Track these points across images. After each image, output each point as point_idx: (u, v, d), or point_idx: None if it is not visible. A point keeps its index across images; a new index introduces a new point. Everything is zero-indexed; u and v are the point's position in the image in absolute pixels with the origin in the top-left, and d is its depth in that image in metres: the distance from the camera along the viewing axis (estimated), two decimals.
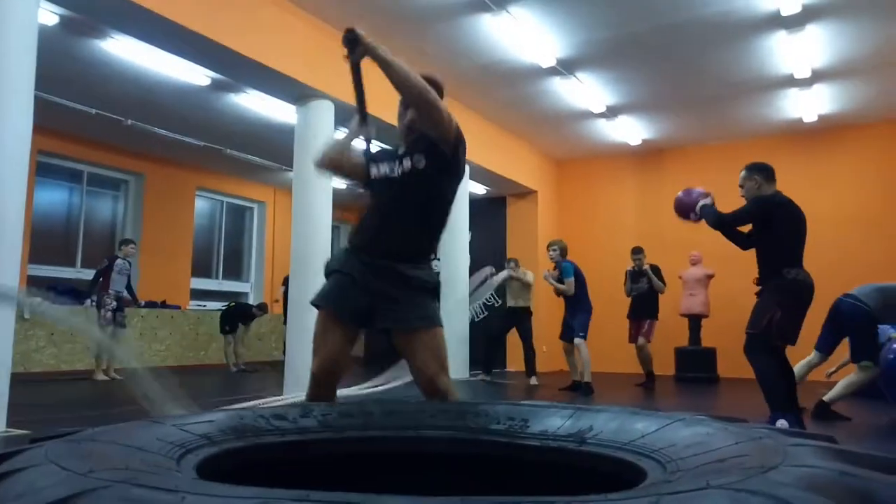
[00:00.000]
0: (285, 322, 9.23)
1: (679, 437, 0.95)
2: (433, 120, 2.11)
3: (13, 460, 0.88)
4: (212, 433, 1.11)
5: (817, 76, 7.24)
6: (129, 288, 7.55)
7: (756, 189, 3.96)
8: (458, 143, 2.18)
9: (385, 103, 2.47)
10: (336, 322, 2.15)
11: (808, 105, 8.08)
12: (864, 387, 4.78)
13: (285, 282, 9.27)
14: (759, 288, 3.94)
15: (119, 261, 7.34)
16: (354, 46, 2.08)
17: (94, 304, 7.40)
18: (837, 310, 4.91)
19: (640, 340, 7.26)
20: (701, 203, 4.08)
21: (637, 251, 7.39)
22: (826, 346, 5.12)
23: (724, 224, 3.97)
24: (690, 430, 0.97)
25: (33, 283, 8.37)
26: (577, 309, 6.71)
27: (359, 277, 2.14)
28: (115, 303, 7.19)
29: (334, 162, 2.39)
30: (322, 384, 2.15)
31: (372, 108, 2.37)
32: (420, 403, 1.34)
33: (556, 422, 1.19)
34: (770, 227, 3.83)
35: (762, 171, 3.99)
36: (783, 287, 3.75)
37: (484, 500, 0.57)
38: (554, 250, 6.81)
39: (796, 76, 7.20)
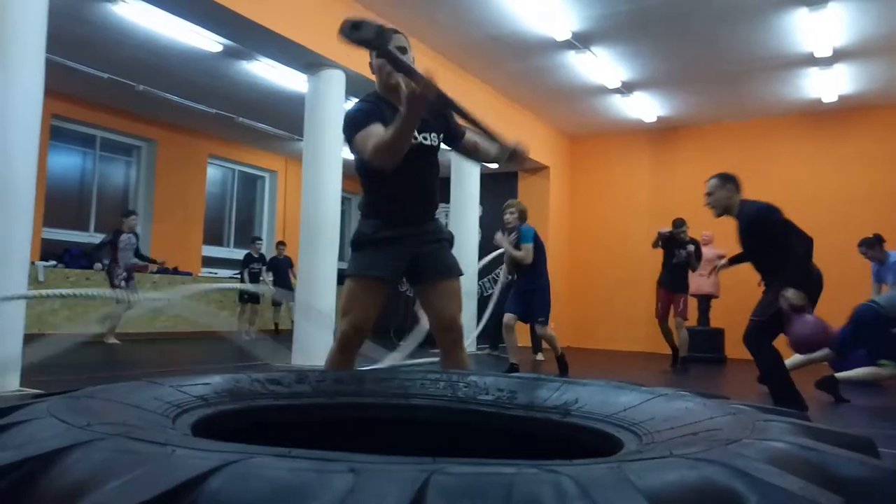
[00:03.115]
0: (274, 304, 9.61)
1: (659, 411, 0.98)
2: None
3: (17, 413, 0.92)
4: (208, 395, 1.15)
5: (839, 55, 7.10)
6: (140, 257, 7.79)
7: (727, 199, 3.96)
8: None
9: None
10: (370, 286, 2.34)
11: (828, 85, 7.94)
12: (879, 381, 4.91)
13: (270, 263, 9.41)
14: (765, 282, 3.96)
15: (124, 236, 7.50)
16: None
17: (104, 268, 7.68)
18: (855, 313, 4.96)
19: (678, 321, 6.99)
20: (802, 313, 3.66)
21: (680, 223, 7.08)
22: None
23: (803, 259, 3.76)
24: (670, 405, 0.99)
25: (47, 246, 8.50)
26: (535, 284, 5.74)
27: (386, 238, 2.36)
28: (124, 273, 7.45)
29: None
30: (350, 342, 2.32)
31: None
32: (411, 373, 1.37)
33: (543, 394, 1.22)
34: (780, 237, 3.81)
35: (734, 181, 4.01)
36: (808, 279, 3.73)
37: (453, 461, 0.59)
38: (511, 213, 5.75)
39: (817, 55, 7.06)
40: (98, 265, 8.18)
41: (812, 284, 3.78)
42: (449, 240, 2.50)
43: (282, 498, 0.57)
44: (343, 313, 2.32)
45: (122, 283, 7.43)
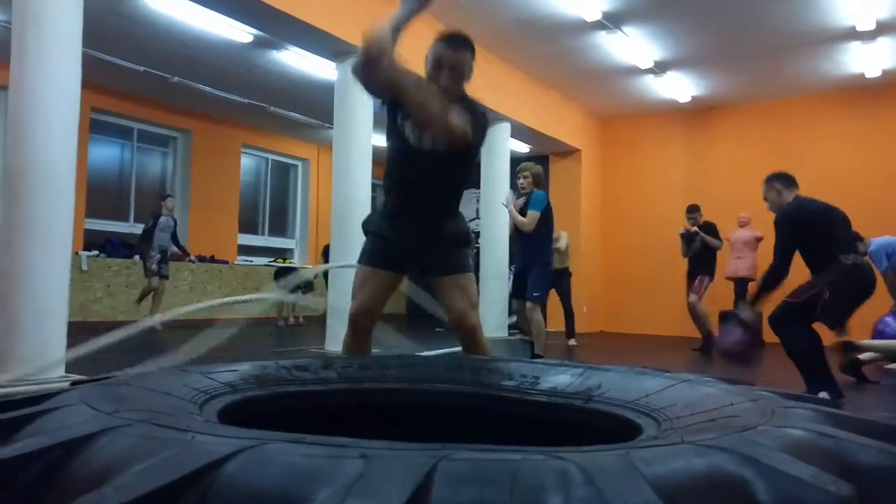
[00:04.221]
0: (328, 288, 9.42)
1: (680, 398, 0.97)
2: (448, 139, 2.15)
3: (51, 401, 0.96)
4: (235, 381, 1.18)
5: (882, 28, 6.83)
6: (176, 242, 8.02)
7: (777, 197, 3.92)
8: (474, 144, 2.24)
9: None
10: (374, 271, 2.36)
11: (871, 59, 7.65)
12: None
13: (325, 252, 9.45)
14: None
15: (162, 218, 7.81)
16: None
17: (140, 257, 7.93)
18: None
19: (692, 297, 6.97)
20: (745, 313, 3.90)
21: (692, 210, 7.10)
22: None
23: (781, 269, 3.80)
24: (693, 391, 0.98)
25: (90, 236, 8.75)
26: (536, 257, 5.15)
27: (392, 236, 2.35)
28: (158, 255, 7.70)
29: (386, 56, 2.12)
30: (358, 327, 2.33)
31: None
32: (436, 359, 1.39)
33: (565, 379, 1.21)
34: (806, 236, 3.77)
35: (780, 179, 3.95)
36: (839, 271, 3.69)
37: (462, 447, 0.60)
38: (525, 177, 5.21)
39: (859, 28, 6.81)
40: (137, 256, 8.41)
41: (852, 280, 3.71)
42: (457, 237, 2.40)
43: (294, 482, 0.59)
44: (352, 297, 2.38)
45: (155, 266, 7.64)
